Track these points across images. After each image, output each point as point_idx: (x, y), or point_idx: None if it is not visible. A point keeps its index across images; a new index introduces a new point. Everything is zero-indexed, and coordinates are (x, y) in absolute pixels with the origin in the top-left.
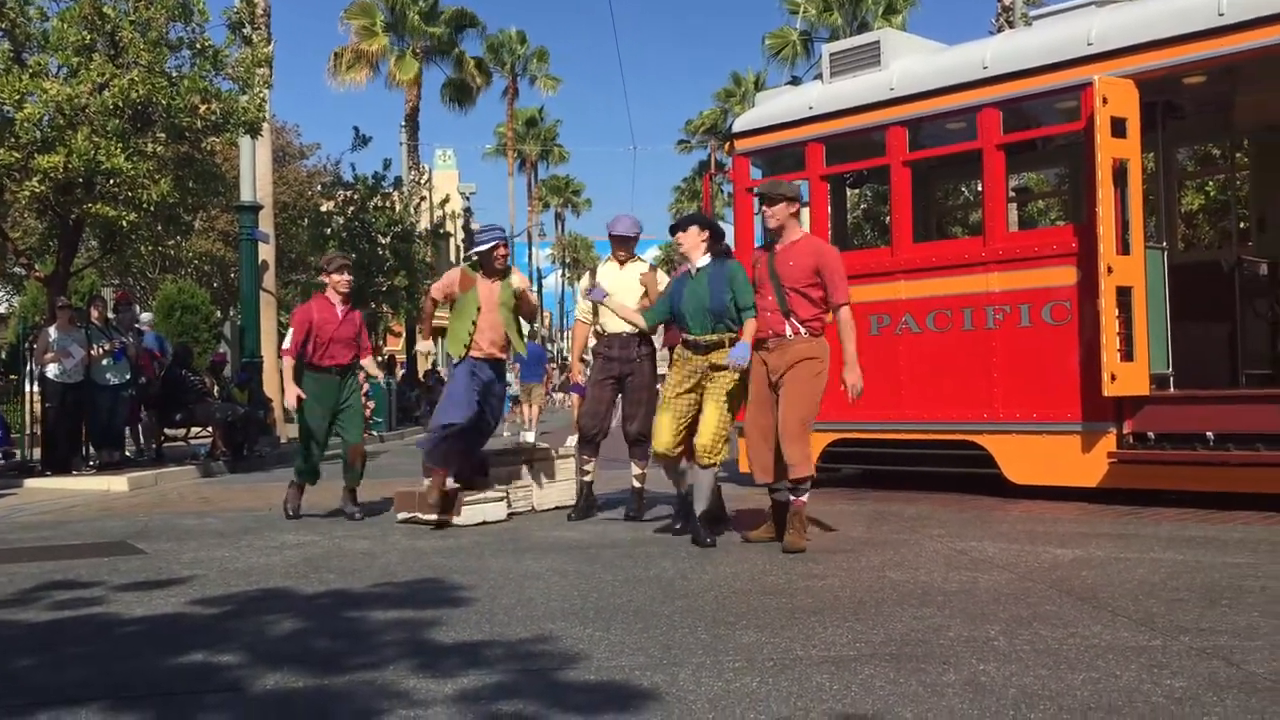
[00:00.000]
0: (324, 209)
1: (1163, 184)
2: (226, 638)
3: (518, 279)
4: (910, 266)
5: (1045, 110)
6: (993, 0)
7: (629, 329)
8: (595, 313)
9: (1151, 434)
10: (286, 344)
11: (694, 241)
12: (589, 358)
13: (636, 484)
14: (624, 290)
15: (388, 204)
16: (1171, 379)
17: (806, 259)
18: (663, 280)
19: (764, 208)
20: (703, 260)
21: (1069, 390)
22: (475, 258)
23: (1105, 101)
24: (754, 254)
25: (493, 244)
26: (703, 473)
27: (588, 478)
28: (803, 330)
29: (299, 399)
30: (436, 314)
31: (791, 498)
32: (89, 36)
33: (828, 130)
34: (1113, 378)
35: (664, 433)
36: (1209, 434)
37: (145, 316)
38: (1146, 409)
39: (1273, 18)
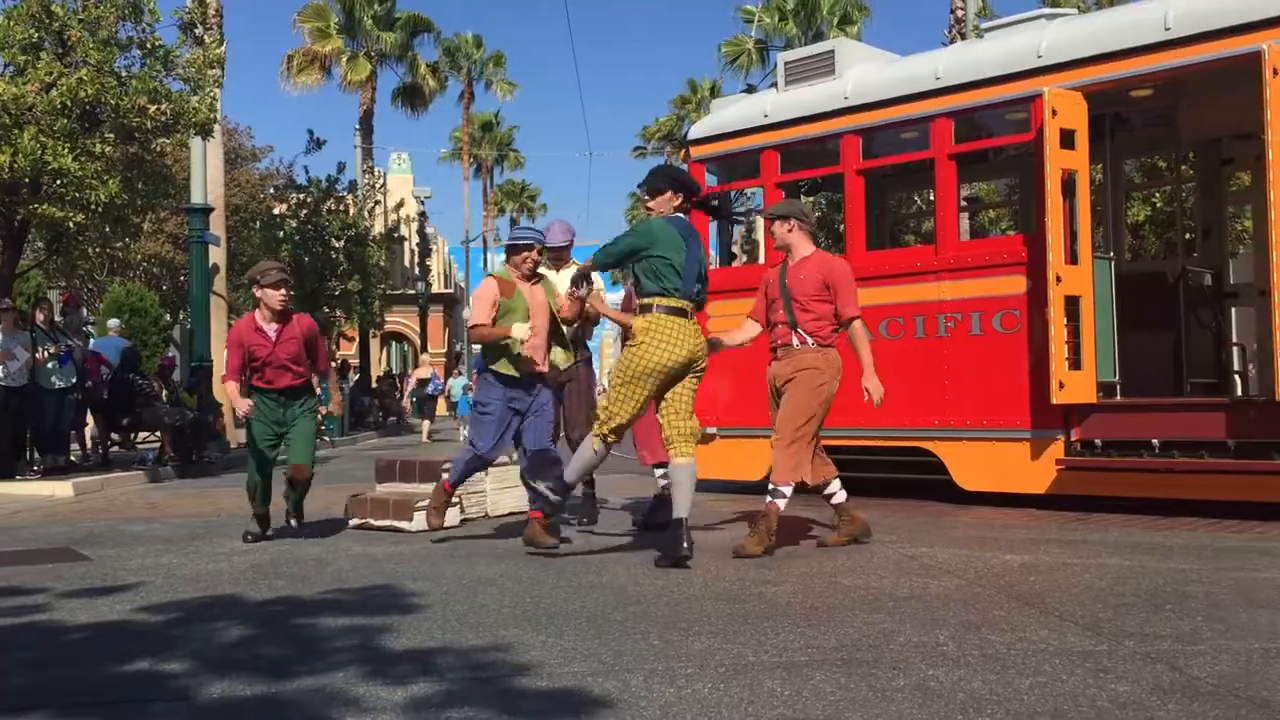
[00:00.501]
0: (277, 212)
1: (1110, 195)
2: (173, 645)
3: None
4: (863, 274)
5: (996, 121)
6: (945, 11)
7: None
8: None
9: (1099, 441)
10: (224, 369)
11: (667, 207)
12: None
13: (586, 489)
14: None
15: (341, 207)
16: (1118, 387)
17: (816, 273)
18: (597, 281)
19: (772, 226)
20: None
21: (1018, 398)
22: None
23: (1054, 113)
24: (765, 272)
25: (527, 242)
26: (684, 468)
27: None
28: (810, 342)
29: (246, 415)
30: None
31: (768, 499)
32: (36, 34)
33: (782, 138)
34: (1061, 385)
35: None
36: (1155, 441)
37: (113, 323)
38: (1094, 417)
39: (1218, 33)
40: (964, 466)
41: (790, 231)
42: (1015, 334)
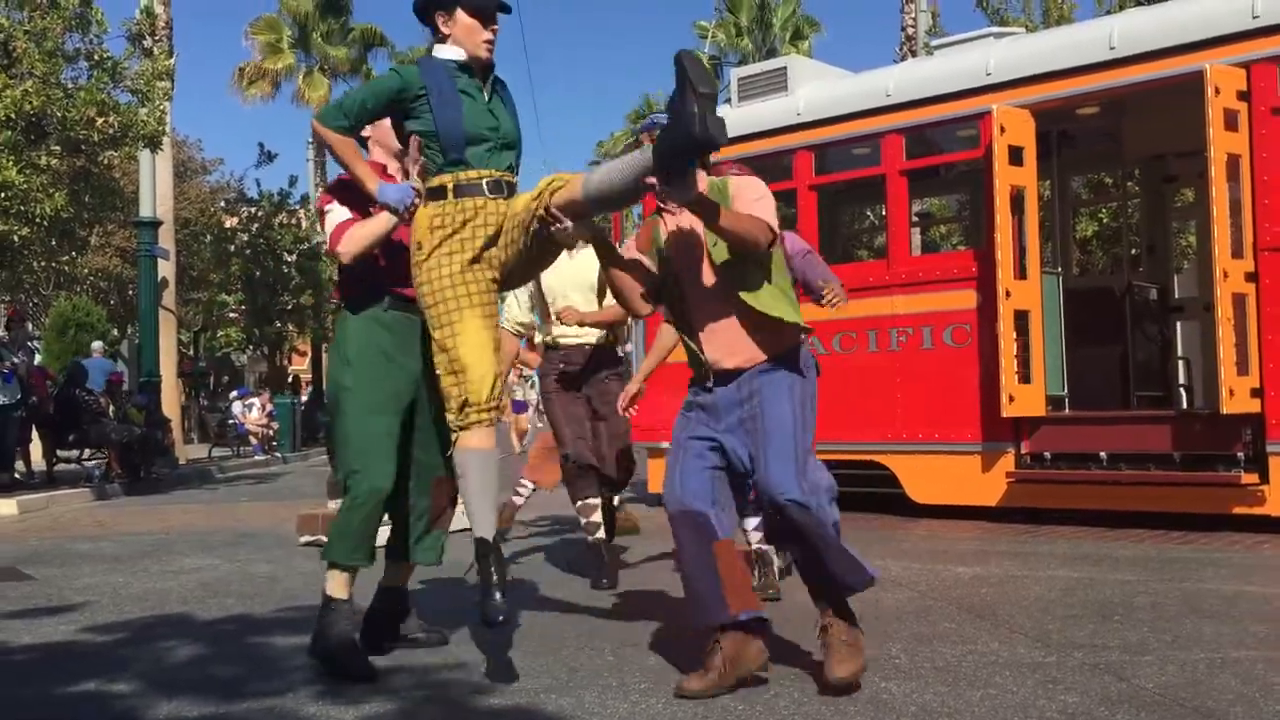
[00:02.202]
0: (227, 225)
1: (1058, 211)
2: (121, 665)
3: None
4: None
5: (946, 137)
6: (897, 28)
7: (588, 338)
8: (544, 317)
9: (1048, 454)
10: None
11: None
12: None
13: (599, 536)
14: (572, 285)
15: (293, 221)
16: (1067, 400)
17: None
18: None
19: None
20: None
21: (969, 411)
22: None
23: (1003, 130)
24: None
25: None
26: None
27: (598, 534)
28: None
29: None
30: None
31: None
32: None
33: (735, 154)
34: (1011, 399)
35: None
36: (1102, 454)
37: (96, 345)
38: (1043, 429)
39: (1160, 52)
40: (916, 479)
41: None
42: (966, 348)
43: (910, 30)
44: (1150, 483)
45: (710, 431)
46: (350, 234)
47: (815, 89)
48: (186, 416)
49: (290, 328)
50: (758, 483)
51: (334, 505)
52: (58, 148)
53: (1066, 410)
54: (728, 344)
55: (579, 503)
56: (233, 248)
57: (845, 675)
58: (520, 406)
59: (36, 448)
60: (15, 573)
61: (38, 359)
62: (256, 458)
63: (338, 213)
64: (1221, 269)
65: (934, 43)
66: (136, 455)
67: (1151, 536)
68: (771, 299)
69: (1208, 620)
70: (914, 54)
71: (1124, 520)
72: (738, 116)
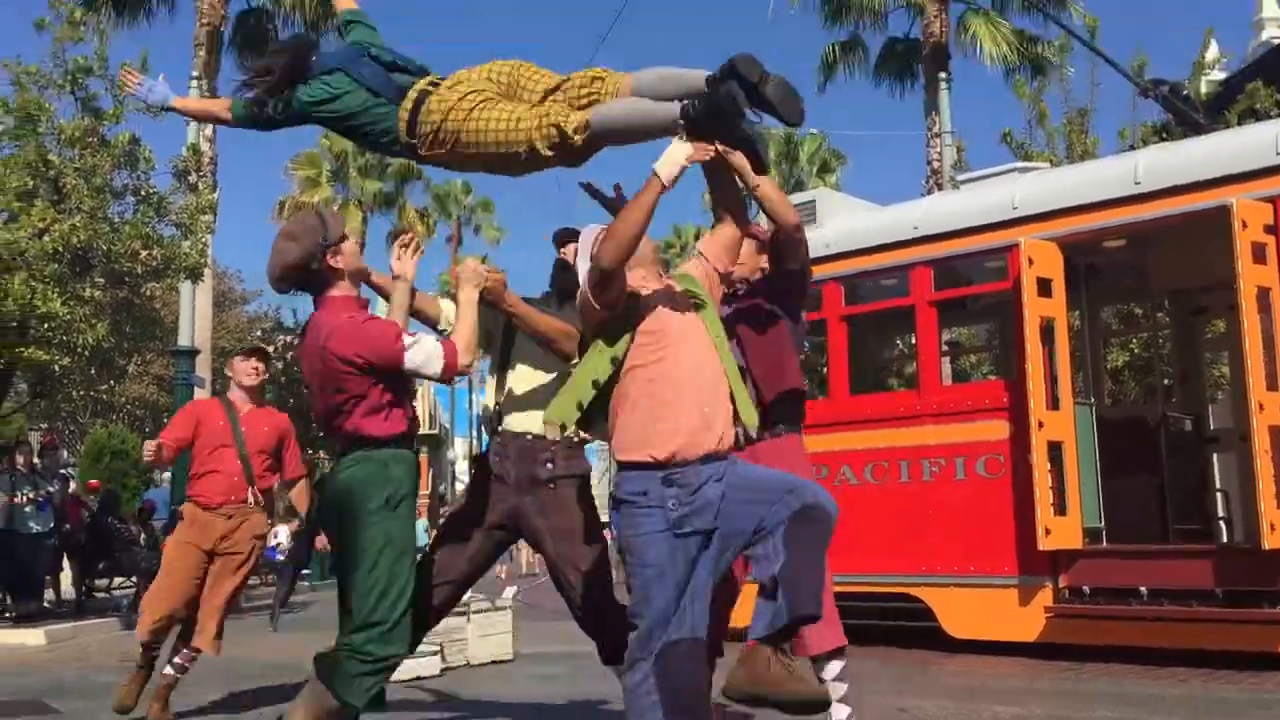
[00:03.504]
0: None
1: (1089, 341)
2: None
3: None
4: (847, 418)
5: (974, 269)
6: (922, 162)
7: (536, 426)
8: (499, 388)
9: (1087, 588)
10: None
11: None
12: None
13: None
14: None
15: None
16: (1104, 533)
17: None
18: None
19: None
20: None
21: (1005, 543)
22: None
23: (1031, 262)
24: None
25: None
26: None
27: None
28: None
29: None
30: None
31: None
32: (32, 182)
33: None
34: (1047, 531)
35: None
36: (1143, 589)
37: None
38: (1081, 563)
39: (1186, 187)
40: (951, 613)
41: None
42: (1000, 479)
43: (936, 164)
44: (1193, 619)
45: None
46: (459, 345)
47: (844, 221)
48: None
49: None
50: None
51: None
52: (102, 280)
53: (1104, 543)
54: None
55: None
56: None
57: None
58: None
59: (66, 575)
60: (41, 706)
61: (72, 486)
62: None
63: (425, 338)
64: (1257, 401)
65: (960, 177)
66: None
67: (1197, 675)
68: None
69: None
70: (940, 187)
71: (1168, 657)
72: None
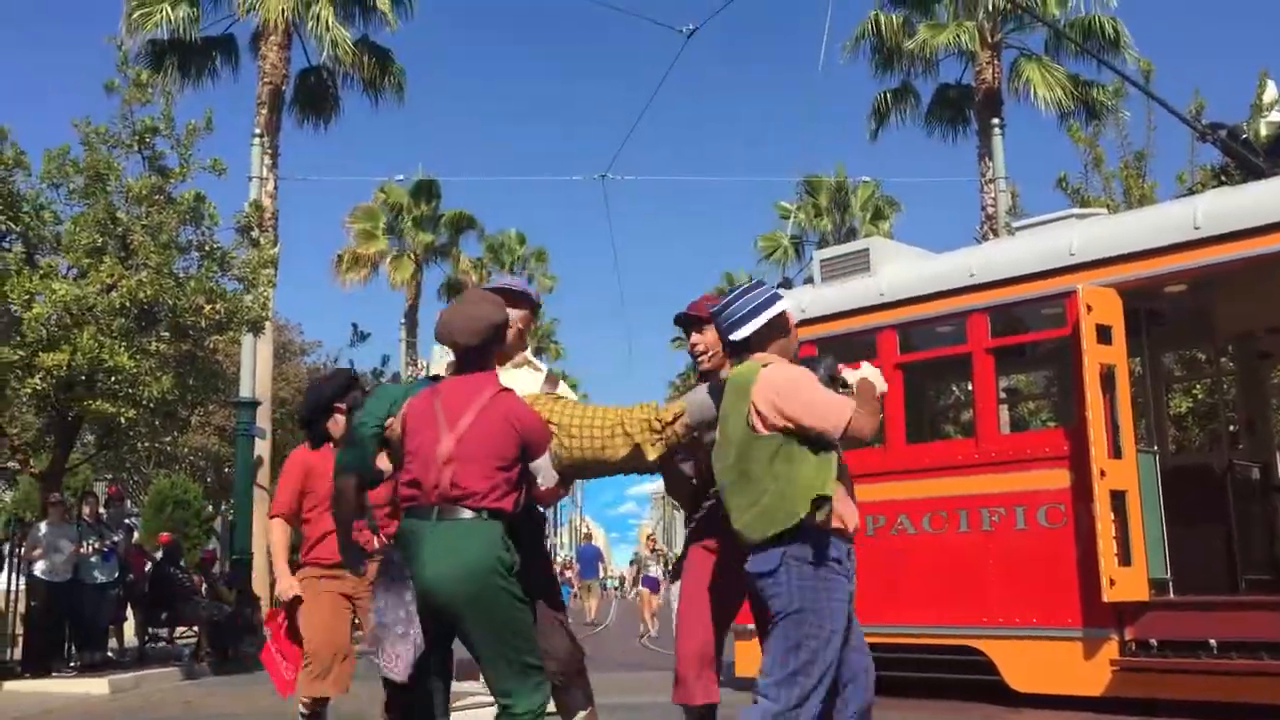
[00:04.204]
0: None
1: (1150, 387)
2: None
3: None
4: (904, 467)
5: (1032, 316)
6: (976, 207)
7: None
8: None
9: (1154, 641)
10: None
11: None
12: None
13: None
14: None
15: None
16: (1171, 584)
17: None
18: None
19: None
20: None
21: (1068, 594)
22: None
23: (1089, 309)
24: None
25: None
26: None
27: None
28: None
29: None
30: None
31: None
32: (100, 239)
33: (820, 333)
34: (1111, 582)
35: None
36: (1212, 641)
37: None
38: (1147, 615)
39: (1247, 231)
40: (1014, 666)
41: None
42: (1061, 528)
43: (990, 210)
44: (1264, 673)
45: None
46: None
47: (897, 269)
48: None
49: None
50: None
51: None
52: (167, 333)
53: (1171, 594)
54: None
55: None
56: None
57: None
58: (652, 583)
59: (129, 625)
60: None
61: (135, 536)
62: None
63: None
64: None
65: (1015, 223)
66: (225, 634)
67: None
68: None
69: None
70: (995, 233)
71: (1237, 713)
72: (820, 296)
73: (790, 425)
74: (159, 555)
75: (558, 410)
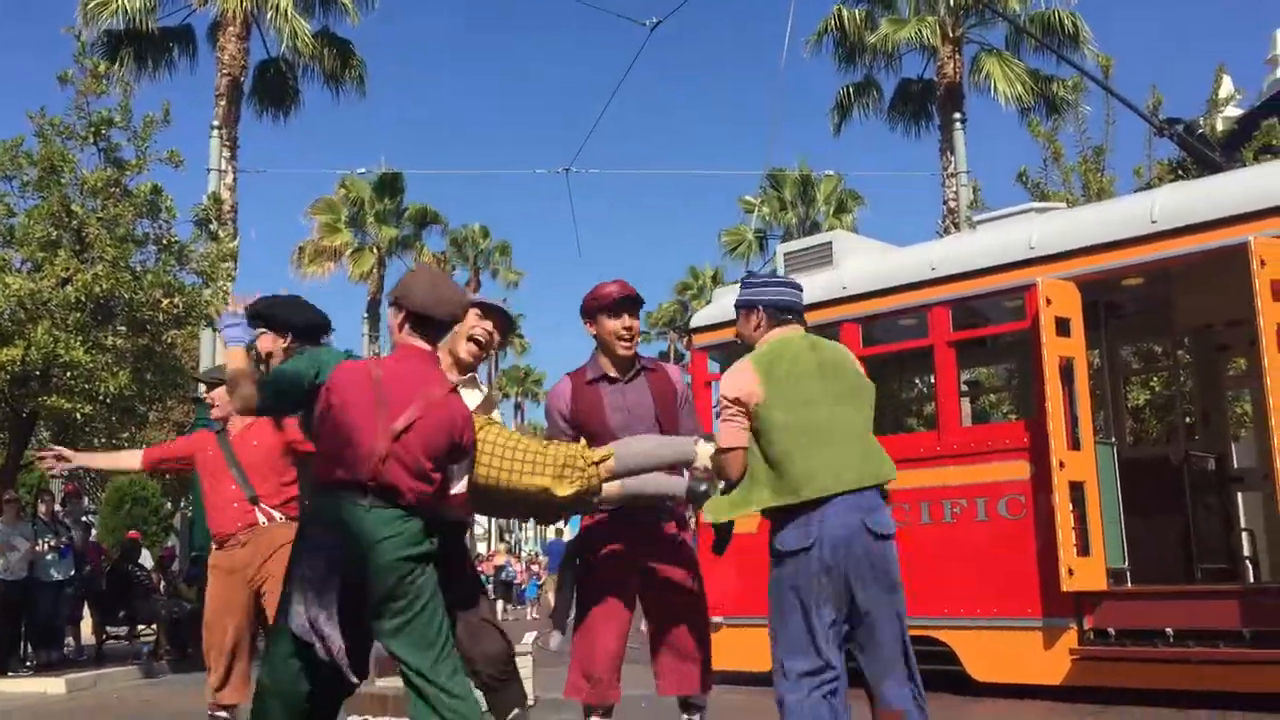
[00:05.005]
0: None
1: (1109, 380)
2: None
3: None
4: None
5: (992, 309)
6: (939, 201)
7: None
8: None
9: (1112, 630)
10: None
11: None
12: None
13: None
14: None
15: None
16: (1128, 574)
17: None
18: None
19: None
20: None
21: (1028, 585)
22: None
23: (1049, 302)
24: None
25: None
26: None
27: None
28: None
29: None
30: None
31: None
32: (55, 232)
33: None
34: (1070, 572)
35: None
36: (1168, 630)
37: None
38: (1105, 604)
39: (1203, 225)
40: (975, 656)
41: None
42: (1022, 520)
43: (952, 204)
44: (1220, 660)
45: None
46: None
47: (860, 263)
48: None
49: None
50: None
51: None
52: (124, 328)
53: (1129, 584)
54: None
55: None
56: None
57: None
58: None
59: (87, 623)
60: None
61: (94, 534)
62: None
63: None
64: (1279, 439)
65: (976, 217)
66: (185, 631)
67: (1225, 718)
68: None
69: None
70: (956, 227)
71: (1194, 700)
72: None
73: None
74: (116, 553)
75: (490, 431)
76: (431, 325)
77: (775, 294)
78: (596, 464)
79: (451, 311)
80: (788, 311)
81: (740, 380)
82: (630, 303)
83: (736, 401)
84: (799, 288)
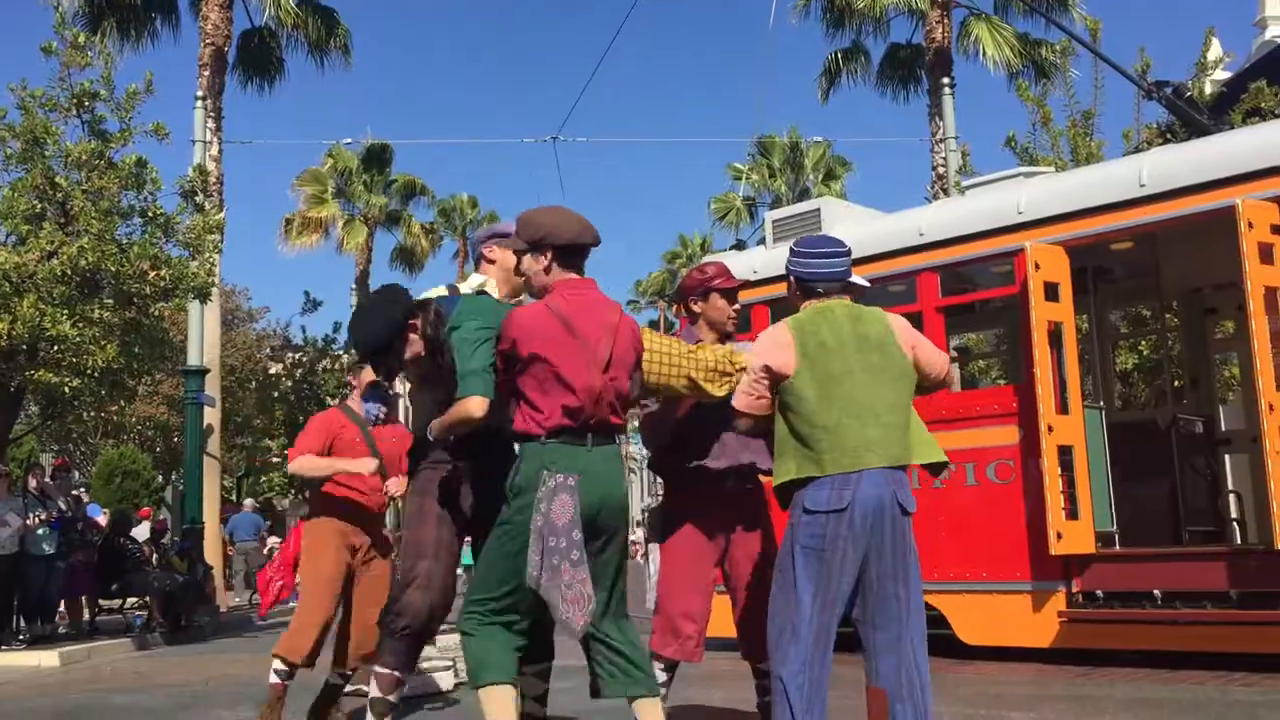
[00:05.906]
0: (272, 371)
1: (1097, 344)
2: None
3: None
4: None
5: (981, 274)
6: (927, 167)
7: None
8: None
9: (1100, 593)
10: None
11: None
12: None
13: None
14: None
15: (337, 366)
16: (1117, 537)
17: None
18: None
19: None
20: None
21: (1017, 549)
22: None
23: (1037, 267)
24: None
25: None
26: None
27: None
28: None
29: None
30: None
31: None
32: (39, 205)
33: (772, 294)
34: (1059, 536)
35: None
36: (1156, 592)
37: (248, 501)
38: (1094, 567)
39: (1191, 188)
40: (965, 620)
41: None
42: (1010, 484)
43: (940, 169)
44: (1207, 621)
45: None
46: None
47: (848, 229)
48: (229, 563)
49: None
50: None
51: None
52: (110, 301)
53: (1117, 547)
54: None
55: None
56: (276, 393)
57: None
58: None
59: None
60: None
61: (102, 515)
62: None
63: None
64: (1267, 402)
65: (965, 182)
66: (178, 604)
67: (1213, 679)
68: None
69: None
70: (945, 193)
71: (1182, 661)
72: (773, 257)
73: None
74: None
75: (650, 338)
76: (578, 254)
77: (815, 266)
78: (744, 369)
79: (594, 233)
80: (826, 283)
81: (774, 349)
82: (737, 290)
83: (767, 369)
84: (845, 254)
